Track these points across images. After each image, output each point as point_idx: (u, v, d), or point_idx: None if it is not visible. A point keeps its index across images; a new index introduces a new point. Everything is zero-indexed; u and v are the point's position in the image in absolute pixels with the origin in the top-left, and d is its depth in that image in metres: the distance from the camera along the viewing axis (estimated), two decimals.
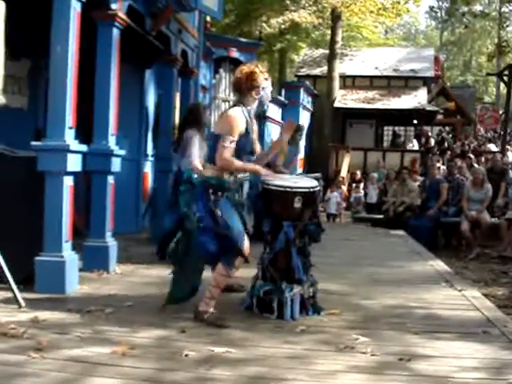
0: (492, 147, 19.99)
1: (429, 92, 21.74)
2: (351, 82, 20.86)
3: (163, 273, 5.29)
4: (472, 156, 14.80)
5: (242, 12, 20.25)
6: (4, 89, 3.88)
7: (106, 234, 5.10)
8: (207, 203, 3.55)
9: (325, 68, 19.98)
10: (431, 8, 47.16)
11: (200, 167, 5.01)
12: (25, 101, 6.40)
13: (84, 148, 4.47)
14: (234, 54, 11.40)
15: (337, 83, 19.32)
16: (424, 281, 5.36)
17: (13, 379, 2.50)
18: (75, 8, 4.26)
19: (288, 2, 18.96)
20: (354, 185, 14.39)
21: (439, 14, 46.51)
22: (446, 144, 20.14)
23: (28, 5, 5.42)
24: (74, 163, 4.28)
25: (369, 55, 22.68)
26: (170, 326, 3.46)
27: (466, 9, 30.39)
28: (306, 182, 3.96)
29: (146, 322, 3.53)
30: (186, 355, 2.91)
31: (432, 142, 19.93)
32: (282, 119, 15.22)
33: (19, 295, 3.72)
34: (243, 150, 3.66)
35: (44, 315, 3.52)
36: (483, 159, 15.35)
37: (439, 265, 6.47)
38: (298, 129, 7.40)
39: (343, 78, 20.21)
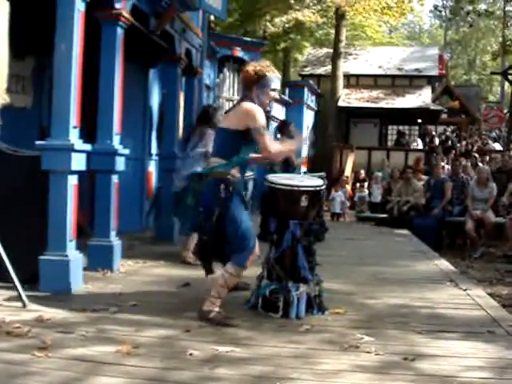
0: (496, 146, 19.93)
1: (433, 91, 21.66)
2: (355, 81, 20.78)
3: (167, 272, 5.31)
4: (476, 155, 14.77)
5: (245, 11, 20.27)
6: (8, 88, 3.89)
7: (110, 233, 5.10)
8: (218, 198, 3.48)
9: (329, 67, 19.92)
10: (435, 7, 47.04)
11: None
12: (29, 100, 6.40)
13: (88, 147, 4.46)
14: (238, 53, 11.42)
15: (341, 82, 19.25)
16: (428, 280, 5.35)
17: (17, 378, 2.50)
18: (79, 7, 4.26)
19: (292, 1, 18.98)
20: (358, 184, 14.38)
21: (443, 13, 46.32)
22: (450, 143, 20.08)
23: (32, 4, 5.42)
24: (79, 162, 4.27)
25: (373, 54, 22.59)
26: (175, 325, 3.45)
27: (470, 8, 30.37)
28: (311, 181, 3.98)
29: (150, 321, 3.52)
30: (191, 354, 2.91)
31: (436, 141, 19.88)
32: (286, 118, 15.21)
33: (24, 294, 3.72)
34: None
35: (48, 314, 3.52)
36: (488, 158, 15.31)
37: (444, 264, 6.46)
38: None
39: (347, 77, 20.15)
